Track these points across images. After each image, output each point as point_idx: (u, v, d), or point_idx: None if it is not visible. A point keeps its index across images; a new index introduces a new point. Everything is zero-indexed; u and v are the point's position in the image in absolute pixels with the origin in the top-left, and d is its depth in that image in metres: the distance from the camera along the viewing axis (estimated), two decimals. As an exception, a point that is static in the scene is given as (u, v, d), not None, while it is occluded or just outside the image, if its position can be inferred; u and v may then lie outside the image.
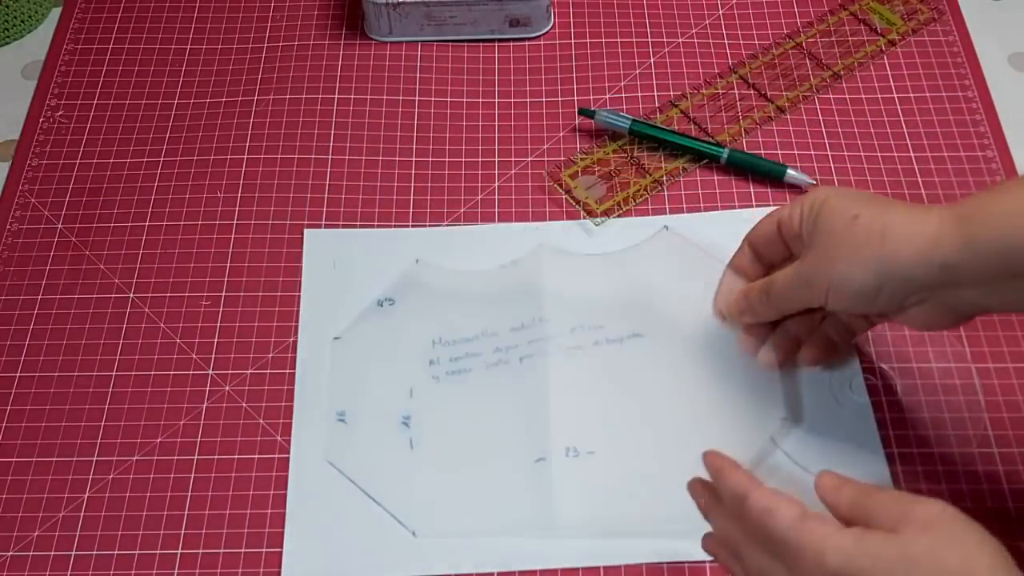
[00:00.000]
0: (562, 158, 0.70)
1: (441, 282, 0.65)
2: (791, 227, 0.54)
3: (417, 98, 0.74)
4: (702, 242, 0.66)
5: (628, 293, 0.63)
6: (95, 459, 0.59)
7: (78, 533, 0.57)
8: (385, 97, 0.74)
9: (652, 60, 0.75)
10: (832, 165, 0.69)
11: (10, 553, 0.56)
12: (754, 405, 0.59)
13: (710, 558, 0.54)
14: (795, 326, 0.58)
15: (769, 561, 0.45)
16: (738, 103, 0.73)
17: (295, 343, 0.63)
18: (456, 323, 0.63)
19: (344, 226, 0.67)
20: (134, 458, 0.59)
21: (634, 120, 0.70)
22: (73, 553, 0.56)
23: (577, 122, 0.72)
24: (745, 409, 0.59)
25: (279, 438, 0.59)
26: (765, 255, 0.58)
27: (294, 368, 0.62)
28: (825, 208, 0.52)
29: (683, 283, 0.63)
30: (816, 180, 0.68)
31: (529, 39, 0.77)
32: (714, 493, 0.50)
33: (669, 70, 0.75)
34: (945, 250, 0.48)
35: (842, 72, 0.74)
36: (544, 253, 0.65)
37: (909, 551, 0.41)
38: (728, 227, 0.67)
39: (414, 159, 0.71)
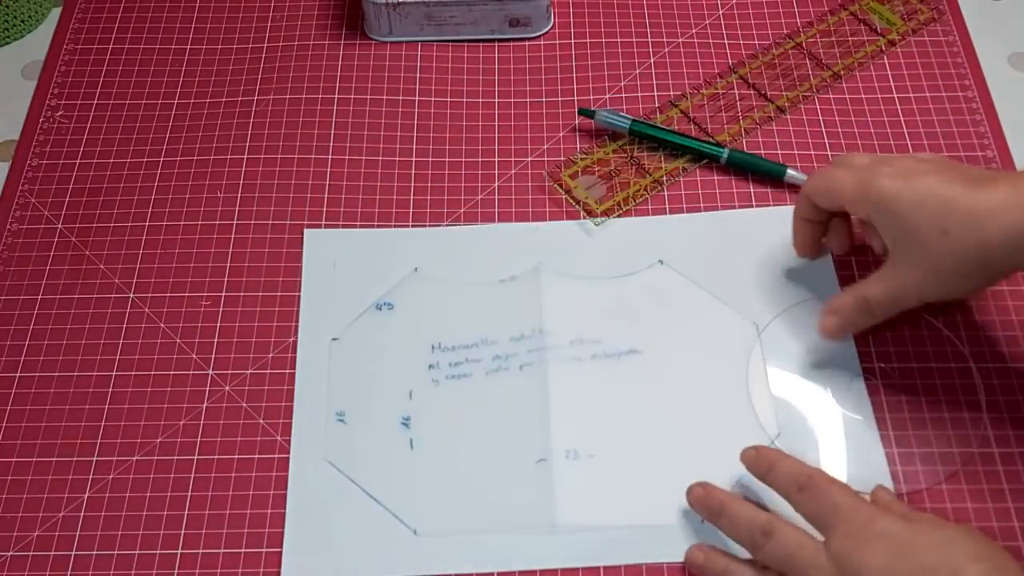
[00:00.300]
0: (562, 158, 0.70)
1: (440, 290, 0.65)
2: (846, 206, 0.57)
3: (417, 98, 0.74)
4: (702, 242, 0.66)
5: (625, 312, 0.63)
6: (95, 459, 0.59)
7: (78, 533, 0.57)
8: (385, 97, 0.74)
9: (652, 60, 0.75)
10: (832, 165, 0.69)
11: (10, 553, 0.56)
12: (747, 421, 0.59)
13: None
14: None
15: (808, 537, 0.51)
16: (738, 103, 0.73)
17: (295, 343, 0.63)
18: (456, 330, 0.63)
19: (344, 226, 0.67)
20: (134, 458, 0.59)
21: (634, 120, 0.70)
22: (73, 553, 0.56)
23: (577, 122, 0.72)
24: (739, 425, 0.59)
25: (279, 438, 0.59)
26: (823, 207, 0.59)
27: (294, 368, 0.62)
28: (902, 214, 0.54)
29: (677, 310, 0.63)
30: (816, 180, 0.68)
31: (529, 39, 0.77)
32: (724, 497, 0.54)
33: (669, 70, 0.75)
34: None
35: (842, 72, 0.74)
36: (543, 272, 0.65)
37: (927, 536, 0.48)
38: (728, 227, 0.67)
39: (414, 159, 0.71)
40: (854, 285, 0.58)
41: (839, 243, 0.62)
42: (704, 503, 0.55)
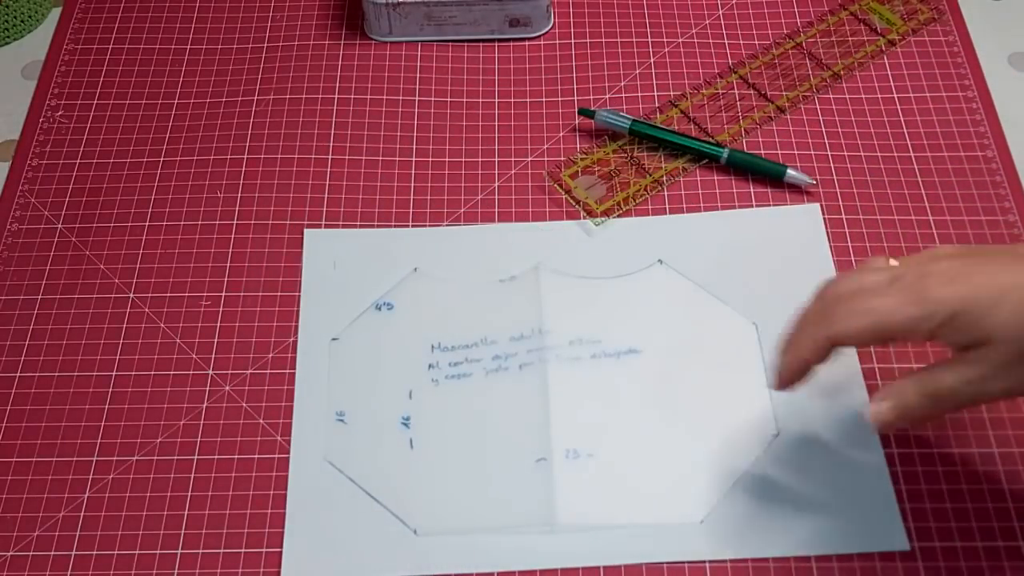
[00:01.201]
0: (562, 158, 0.70)
1: (440, 290, 0.65)
2: (900, 336, 0.48)
3: (417, 98, 0.74)
4: (702, 242, 0.66)
5: (624, 312, 0.63)
6: (95, 459, 0.59)
7: (78, 533, 0.57)
8: (385, 97, 0.74)
9: (652, 60, 0.75)
10: (832, 165, 0.69)
11: (10, 553, 0.56)
12: (747, 421, 0.59)
13: (709, 558, 0.55)
14: None
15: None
16: (738, 103, 0.73)
17: (295, 343, 0.63)
18: (455, 330, 0.63)
19: (344, 226, 0.67)
20: (134, 458, 0.59)
21: (634, 120, 0.70)
22: (73, 553, 0.56)
23: (577, 122, 0.72)
24: (738, 425, 0.59)
25: (279, 438, 0.59)
26: (866, 344, 0.53)
27: (294, 368, 0.62)
28: (980, 321, 0.46)
29: (677, 310, 0.63)
30: (816, 180, 0.68)
31: (529, 39, 0.77)
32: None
33: (669, 70, 0.75)
34: None
35: (842, 72, 0.74)
36: (543, 272, 0.65)
37: None
38: (728, 227, 0.67)
39: (414, 159, 0.71)
40: (918, 372, 0.49)
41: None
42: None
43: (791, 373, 0.52)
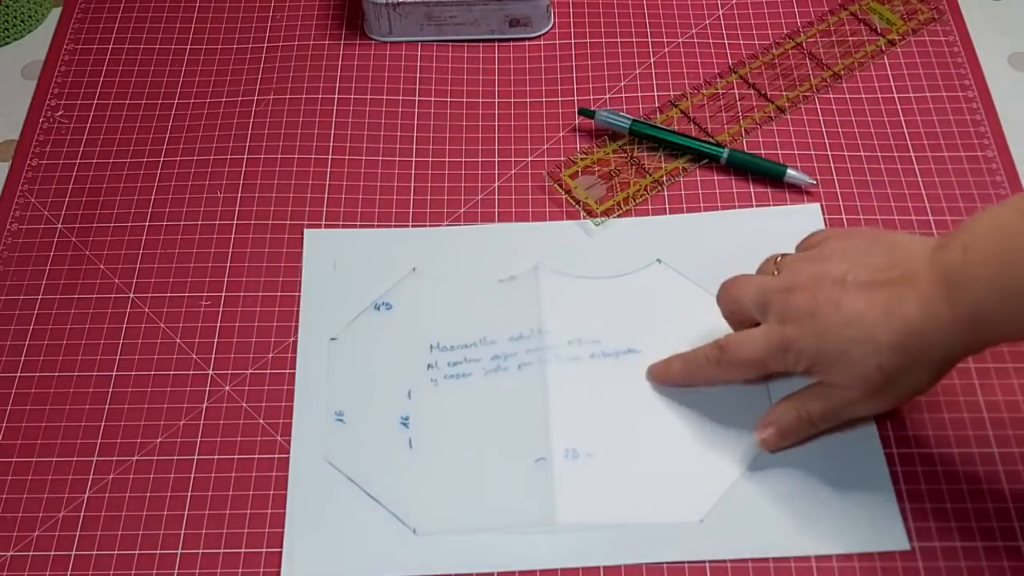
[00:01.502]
0: (562, 158, 0.70)
1: (439, 290, 0.65)
2: (777, 367, 0.56)
3: (417, 98, 0.74)
4: (702, 242, 0.66)
5: (623, 312, 0.63)
6: (95, 459, 0.59)
7: (78, 533, 0.57)
8: (385, 97, 0.74)
9: (652, 60, 0.75)
10: (832, 165, 0.69)
11: (10, 553, 0.56)
12: (746, 421, 0.59)
13: (709, 558, 0.55)
14: None
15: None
16: (738, 103, 0.73)
17: (295, 343, 0.63)
18: (454, 330, 0.63)
19: (344, 226, 0.67)
20: (134, 458, 0.59)
21: (634, 120, 0.70)
22: (73, 553, 0.56)
23: (577, 122, 0.72)
24: (738, 424, 0.59)
25: (279, 438, 0.59)
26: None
27: (294, 368, 0.62)
28: (831, 360, 0.53)
29: (675, 310, 0.63)
30: (816, 180, 0.68)
31: (529, 39, 0.77)
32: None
33: (669, 70, 0.75)
34: (964, 337, 0.50)
35: (842, 72, 0.74)
36: (542, 272, 0.65)
37: None
38: (728, 227, 0.67)
39: (414, 159, 0.71)
40: (792, 397, 0.56)
41: None
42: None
43: (674, 383, 0.60)
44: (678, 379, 0.60)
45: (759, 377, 0.58)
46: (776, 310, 0.54)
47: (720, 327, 0.62)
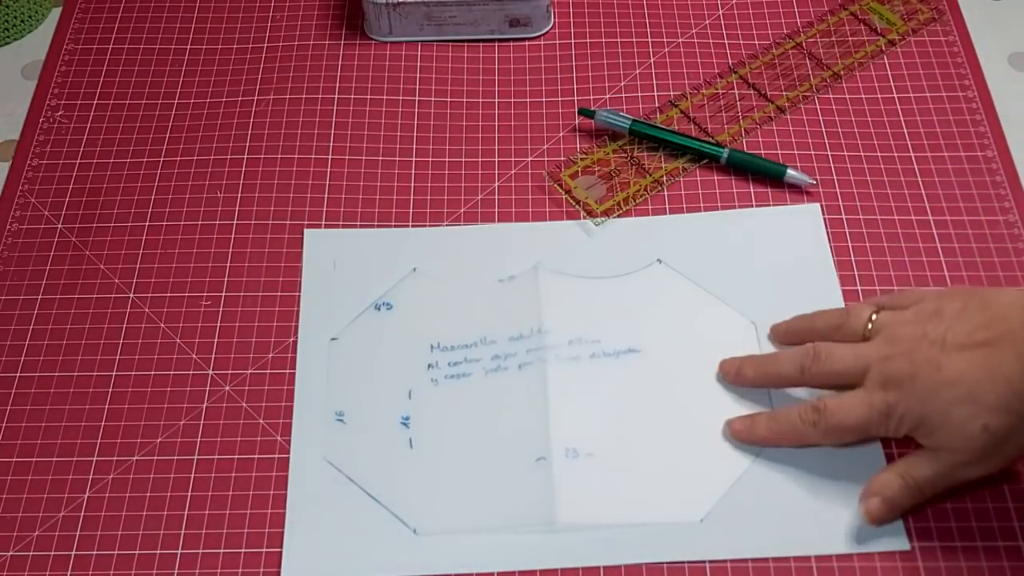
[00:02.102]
0: (562, 158, 0.70)
1: (439, 290, 0.65)
2: (878, 432, 0.55)
3: (417, 98, 0.74)
4: (702, 242, 0.66)
5: (623, 312, 0.63)
6: (95, 459, 0.59)
7: (78, 533, 0.57)
8: (385, 97, 0.74)
9: (652, 60, 0.75)
10: (832, 165, 0.69)
11: (10, 553, 0.56)
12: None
13: (709, 558, 0.55)
14: None
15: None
16: (738, 103, 0.73)
17: (295, 343, 0.63)
18: (455, 330, 0.63)
19: (344, 226, 0.67)
20: (134, 458, 0.59)
21: (634, 120, 0.70)
22: (73, 553, 0.56)
23: (577, 122, 0.72)
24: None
25: (279, 438, 0.59)
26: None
27: (294, 368, 0.62)
28: (935, 423, 0.52)
29: (675, 310, 0.63)
30: (816, 180, 0.68)
31: (529, 39, 0.77)
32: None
33: (669, 70, 0.75)
34: None
35: (842, 72, 0.74)
36: (542, 272, 0.65)
37: None
38: (728, 227, 0.67)
39: (414, 159, 0.71)
40: (896, 465, 0.55)
41: None
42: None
43: (758, 443, 0.58)
44: (766, 439, 0.58)
45: (856, 442, 0.57)
46: (875, 375, 0.54)
47: (721, 328, 0.62)
